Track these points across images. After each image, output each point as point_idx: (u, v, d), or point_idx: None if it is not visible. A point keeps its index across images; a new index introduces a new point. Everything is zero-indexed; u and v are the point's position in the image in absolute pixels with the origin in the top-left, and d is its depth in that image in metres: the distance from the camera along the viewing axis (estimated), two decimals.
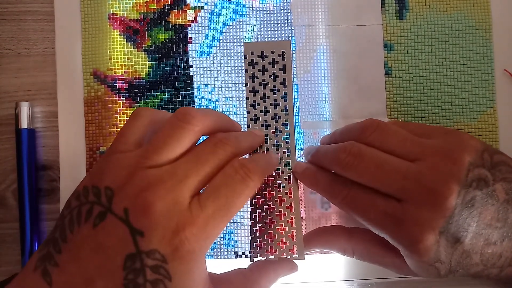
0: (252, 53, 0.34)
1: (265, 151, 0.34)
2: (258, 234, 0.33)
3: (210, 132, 0.30)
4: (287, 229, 0.33)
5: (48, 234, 0.27)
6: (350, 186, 0.30)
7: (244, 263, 0.37)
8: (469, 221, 0.27)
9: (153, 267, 0.24)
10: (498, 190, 0.28)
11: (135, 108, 0.38)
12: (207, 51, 0.39)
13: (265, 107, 0.34)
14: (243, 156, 0.31)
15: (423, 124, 0.34)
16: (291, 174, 0.33)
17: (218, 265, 0.37)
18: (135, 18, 0.39)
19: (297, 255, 0.32)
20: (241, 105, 0.38)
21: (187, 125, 0.27)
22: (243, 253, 0.38)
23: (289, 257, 0.32)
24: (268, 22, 0.39)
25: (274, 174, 0.33)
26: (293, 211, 0.33)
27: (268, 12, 0.39)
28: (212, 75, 0.39)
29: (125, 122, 0.38)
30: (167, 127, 0.27)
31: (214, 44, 0.39)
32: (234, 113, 0.38)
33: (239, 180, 0.27)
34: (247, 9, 0.39)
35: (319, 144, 0.37)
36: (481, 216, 0.27)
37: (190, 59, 0.39)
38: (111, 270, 0.24)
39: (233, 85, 0.38)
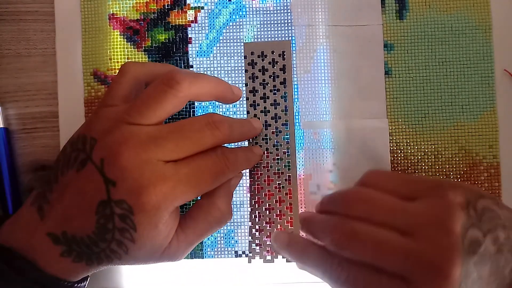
0: (252, 53, 0.34)
1: (254, 144, 0.34)
2: (257, 235, 0.33)
3: (202, 99, 0.31)
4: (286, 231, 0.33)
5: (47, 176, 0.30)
6: (348, 266, 0.29)
7: (244, 262, 0.37)
8: (471, 285, 0.27)
9: (121, 215, 0.26)
10: (488, 244, 0.27)
11: None
12: (207, 51, 0.39)
13: (265, 107, 0.34)
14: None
15: (405, 178, 0.31)
16: (290, 174, 0.33)
17: (218, 265, 0.38)
18: (135, 18, 0.39)
19: None
20: (241, 105, 0.38)
21: (170, 89, 0.28)
22: (243, 252, 0.38)
23: (285, 259, 0.32)
24: (268, 22, 0.39)
25: (274, 174, 0.33)
26: (292, 212, 0.33)
27: (268, 12, 0.39)
28: (212, 75, 0.39)
29: None
30: (151, 89, 0.29)
31: (214, 44, 0.39)
32: (234, 113, 0.38)
33: (220, 165, 0.29)
34: (247, 9, 0.39)
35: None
36: (480, 278, 0.27)
37: (190, 59, 0.39)
38: (86, 212, 0.27)
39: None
